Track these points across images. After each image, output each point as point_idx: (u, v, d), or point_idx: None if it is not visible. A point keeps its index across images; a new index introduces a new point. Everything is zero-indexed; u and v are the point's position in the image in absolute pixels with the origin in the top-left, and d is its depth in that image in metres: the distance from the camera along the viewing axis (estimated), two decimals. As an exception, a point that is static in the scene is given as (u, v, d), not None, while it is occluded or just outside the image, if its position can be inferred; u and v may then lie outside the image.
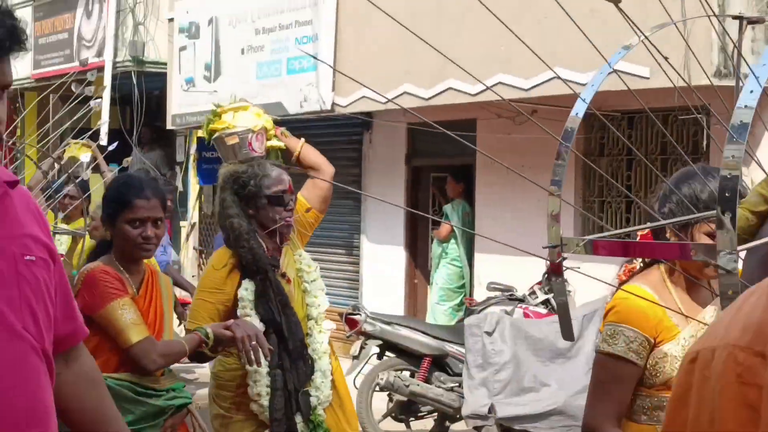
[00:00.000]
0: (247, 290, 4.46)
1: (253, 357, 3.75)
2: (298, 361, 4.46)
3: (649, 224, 2.30)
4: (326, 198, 4.87)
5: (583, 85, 8.43)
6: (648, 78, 7.75)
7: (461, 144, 2.44)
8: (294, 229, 4.66)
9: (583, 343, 7.66)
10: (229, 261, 4.53)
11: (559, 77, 2.22)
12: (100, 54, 14.14)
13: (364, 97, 10.36)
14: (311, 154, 4.93)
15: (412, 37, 2.18)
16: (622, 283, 3.05)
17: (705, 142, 8.20)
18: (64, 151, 6.86)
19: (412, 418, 8.52)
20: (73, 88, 7.32)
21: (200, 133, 14.93)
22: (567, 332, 2.14)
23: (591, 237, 1.98)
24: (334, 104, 10.75)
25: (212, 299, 4.47)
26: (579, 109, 2.18)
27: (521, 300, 8.79)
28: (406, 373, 8.26)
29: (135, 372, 3.73)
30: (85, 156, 6.80)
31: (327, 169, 4.92)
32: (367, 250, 12.21)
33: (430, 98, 9.68)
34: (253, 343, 3.71)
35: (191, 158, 15.09)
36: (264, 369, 4.35)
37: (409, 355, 8.30)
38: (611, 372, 2.94)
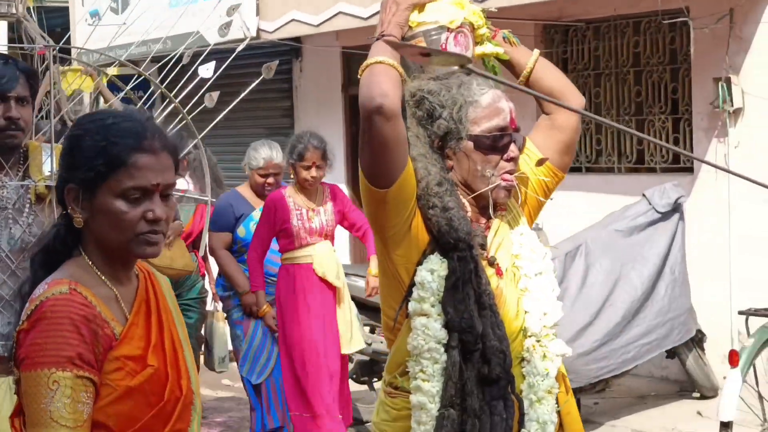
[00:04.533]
0: (432, 273, 2.80)
1: None
2: (496, 403, 2.80)
3: None
4: (569, 144, 3.10)
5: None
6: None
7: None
8: (518, 190, 2.98)
9: (567, 285, 6.76)
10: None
11: None
12: (-9, -10, 12.75)
13: (293, 20, 9.29)
14: (550, 73, 3.12)
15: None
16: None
17: (692, 49, 7.26)
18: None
19: (375, 379, 7.58)
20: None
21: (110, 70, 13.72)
22: None
23: None
24: (259, 30, 9.63)
25: None
26: None
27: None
28: (366, 329, 7.30)
29: None
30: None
31: (573, 97, 3.08)
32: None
33: (368, 18, 8.63)
34: None
35: (101, 101, 13.85)
36: (434, 406, 2.79)
37: (370, 309, 7.14)
38: None
